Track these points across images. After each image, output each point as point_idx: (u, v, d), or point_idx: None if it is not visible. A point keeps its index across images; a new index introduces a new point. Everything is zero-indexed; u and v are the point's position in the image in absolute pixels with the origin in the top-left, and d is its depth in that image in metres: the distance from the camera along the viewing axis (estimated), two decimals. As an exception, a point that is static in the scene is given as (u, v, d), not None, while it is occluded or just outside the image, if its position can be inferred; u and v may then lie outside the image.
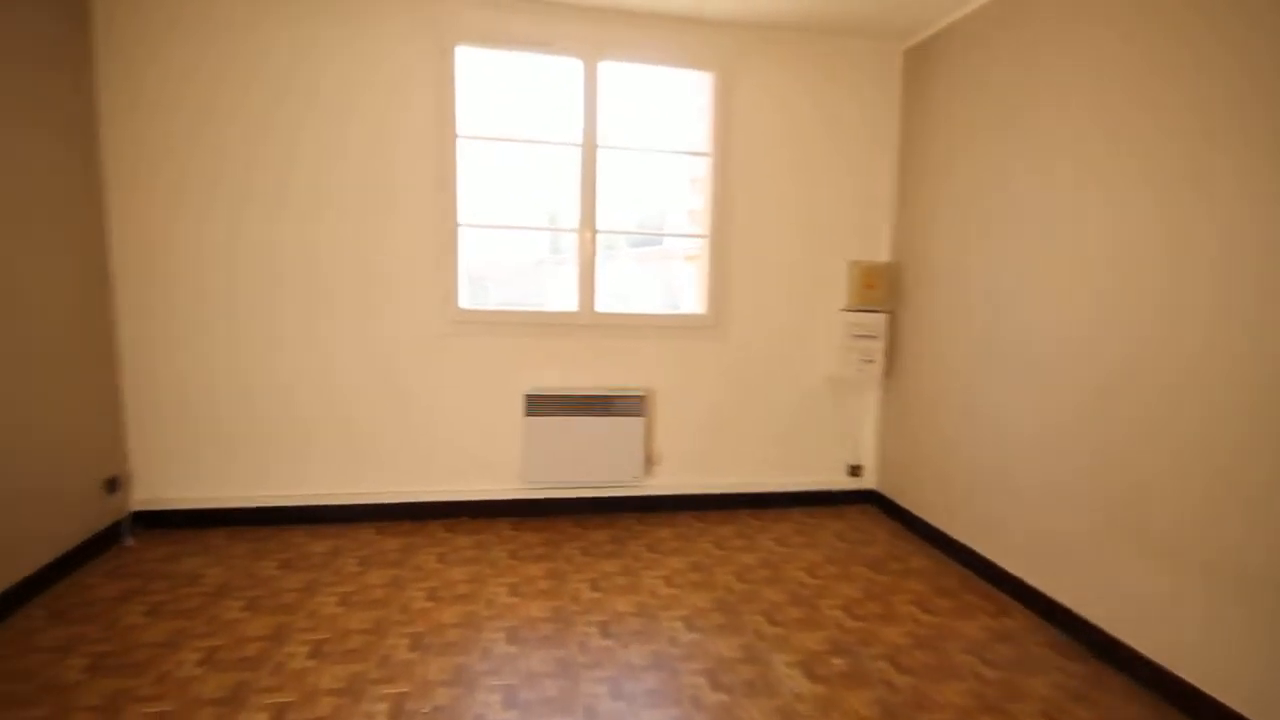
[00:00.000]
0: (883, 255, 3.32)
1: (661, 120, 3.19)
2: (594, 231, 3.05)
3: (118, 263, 2.70)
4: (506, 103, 3.01)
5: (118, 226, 2.68)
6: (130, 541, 2.71)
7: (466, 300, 3.02)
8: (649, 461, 3.21)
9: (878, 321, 3.23)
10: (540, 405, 3.01)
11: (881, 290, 3.23)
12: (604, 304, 3.13)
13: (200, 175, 2.71)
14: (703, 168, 3.19)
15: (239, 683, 1.85)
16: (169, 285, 2.74)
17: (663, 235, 3.29)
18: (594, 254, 3.07)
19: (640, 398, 3.09)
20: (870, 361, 3.24)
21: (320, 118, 2.76)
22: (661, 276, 3.43)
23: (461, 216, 2.94)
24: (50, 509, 2.37)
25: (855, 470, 3.45)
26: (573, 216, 3.05)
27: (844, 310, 3.25)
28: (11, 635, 2.03)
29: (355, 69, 2.76)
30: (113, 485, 2.70)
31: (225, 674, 1.88)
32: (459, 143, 2.89)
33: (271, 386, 2.87)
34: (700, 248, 3.23)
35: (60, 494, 2.42)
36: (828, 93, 3.16)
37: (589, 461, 3.07)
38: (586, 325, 3.09)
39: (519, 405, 3.04)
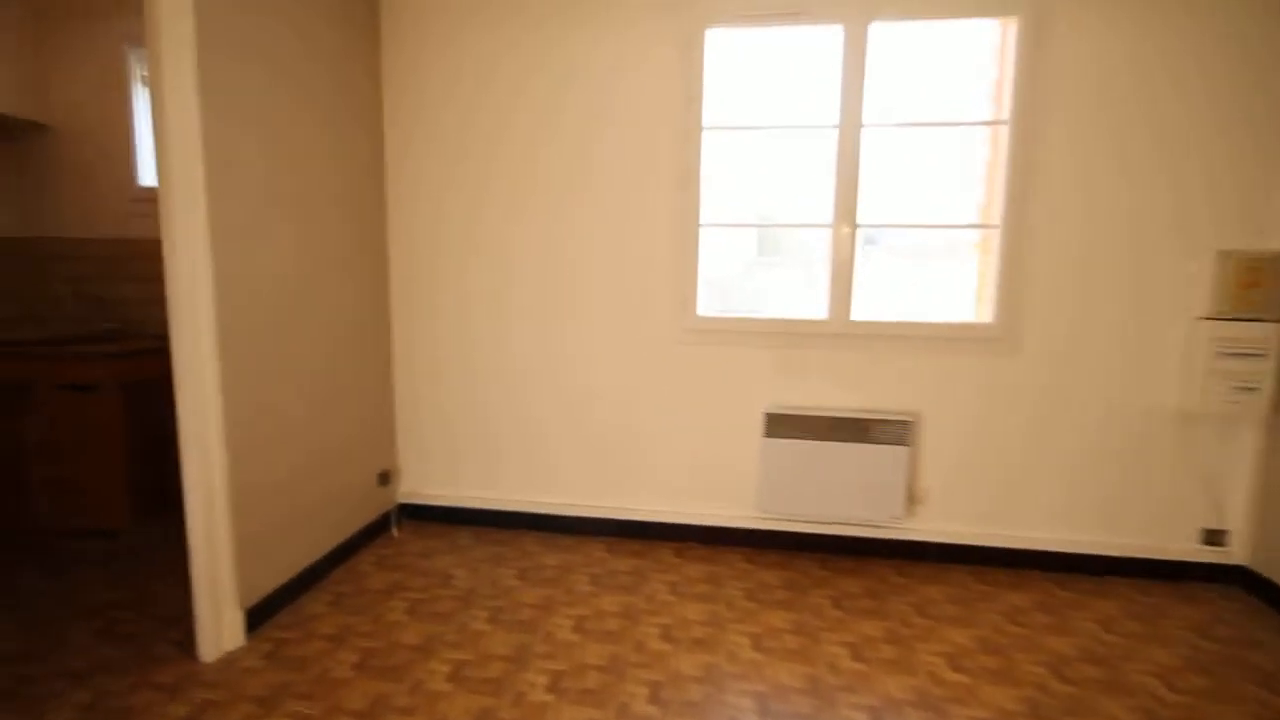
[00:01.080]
0: (1274, 242, 2.37)
1: (933, 90, 2.62)
2: (853, 226, 2.60)
3: (393, 262, 2.93)
4: (743, 87, 2.70)
5: (393, 228, 2.91)
6: (396, 533, 2.93)
7: (697, 306, 2.77)
8: (912, 500, 2.66)
9: (1264, 334, 2.31)
10: (782, 426, 2.64)
11: (1271, 290, 2.30)
12: (860, 311, 2.66)
13: (454, 177, 2.82)
14: (989, 142, 2.56)
15: (483, 710, 1.77)
16: (422, 284, 2.91)
17: (937, 227, 2.71)
18: (852, 253, 2.62)
19: (904, 423, 2.57)
20: (1250, 389, 2.33)
21: (561, 117, 2.71)
22: (924, 277, 2.85)
23: (703, 216, 2.70)
24: (340, 499, 2.60)
25: (1214, 537, 2.52)
26: (817, 209, 2.64)
27: (1206, 318, 2.38)
28: (299, 619, 2.22)
29: (597, 65, 2.66)
30: (384, 478, 2.93)
31: (471, 696, 1.82)
32: (704, 135, 2.65)
33: (509, 391, 2.91)
34: (982, 240, 2.61)
35: (349, 485, 2.66)
36: (1187, 24, 2.33)
37: (838, 494, 2.63)
38: (839, 335, 2.65)
39: (757, 425, 2.72)
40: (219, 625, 2.01)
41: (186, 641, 2.04)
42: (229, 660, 1.98)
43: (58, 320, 3.29)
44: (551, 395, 2.89)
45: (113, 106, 3.11)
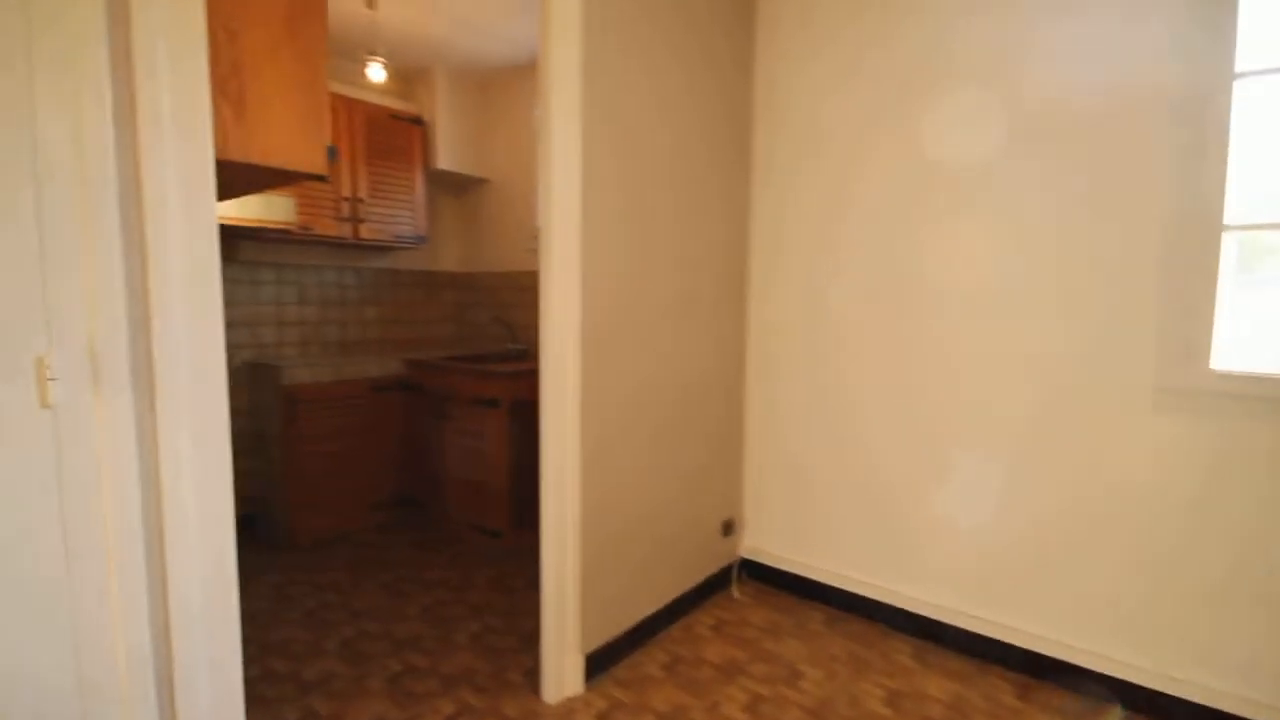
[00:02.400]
0: None
1: None
2: None
3: (751, 296, 2.64)
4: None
5: (754, 254, 2.62)
6: (736, 593, 2.59)
7: (1211, 355, 1.75)
8: None
9: None
10: None
11: None
12: None
13: (816, 184, 2.38)
14: None
15: None
16: (776, 319, 2.52)
17: None
18: None
19: None
20: None
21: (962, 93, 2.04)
22: None
23: (1229, 213, 1.72)
24: (683, 546, 2.38)
25: None
26: None
27: None
28: (634, 677, 2.01)
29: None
30: (728, 528, 2.64)
31: None
32: (1236, 86, 1.69)
33: (876, 450, 2.31)
34: None
35: (692, 532, 2.43)
36: None
37: None
38: None
39: (1340, 564, 1.58)
40: (561, 668, 1.91)
41: (534, 671, 2.00)
42: (567, 709, 1.86)
43: (480, 341, 3.92)
44: (936, 465, 2.19)
45: (522, 159, 3.58)
